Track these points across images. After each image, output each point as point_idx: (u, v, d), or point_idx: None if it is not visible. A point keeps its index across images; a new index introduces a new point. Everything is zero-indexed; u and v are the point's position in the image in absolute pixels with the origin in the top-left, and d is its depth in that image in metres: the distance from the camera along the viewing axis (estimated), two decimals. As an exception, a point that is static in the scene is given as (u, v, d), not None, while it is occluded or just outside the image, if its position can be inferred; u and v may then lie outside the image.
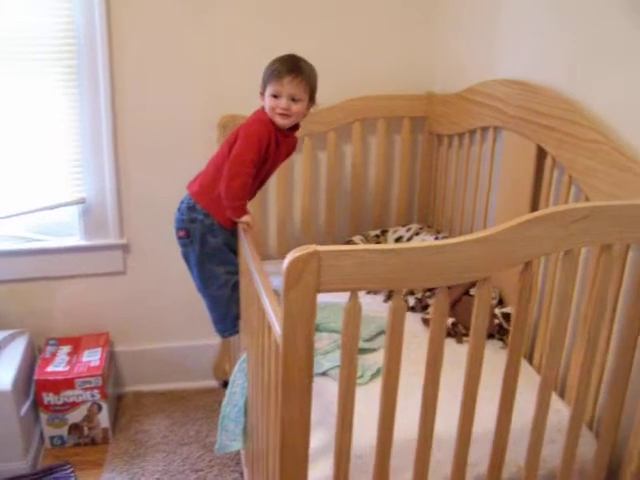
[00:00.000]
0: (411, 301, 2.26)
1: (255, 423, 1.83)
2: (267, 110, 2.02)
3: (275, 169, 2.17)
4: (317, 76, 2.08)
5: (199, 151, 2.60)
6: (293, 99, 2.00)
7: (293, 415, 1.25)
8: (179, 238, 2.13)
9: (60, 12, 2.36)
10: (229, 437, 2.03)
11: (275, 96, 2.00)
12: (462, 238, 1.21)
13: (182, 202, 2.13)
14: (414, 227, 2.63)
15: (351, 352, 1.22)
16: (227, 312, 2.18)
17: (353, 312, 1.20)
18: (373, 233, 2.69)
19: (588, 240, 1.32)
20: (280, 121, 2.01)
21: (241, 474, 2.34)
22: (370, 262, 1.16)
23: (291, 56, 2.04)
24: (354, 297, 1.19)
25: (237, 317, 2.18)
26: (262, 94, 2.05)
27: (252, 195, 2.15)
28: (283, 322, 1.17)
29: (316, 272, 1.14)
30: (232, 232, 2.09)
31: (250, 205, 2.10)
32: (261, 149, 1.99)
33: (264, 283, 1.58)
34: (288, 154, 2.16)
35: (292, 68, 1.99)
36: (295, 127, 2.11)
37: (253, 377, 1.83)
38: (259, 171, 2.05)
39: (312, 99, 2.06)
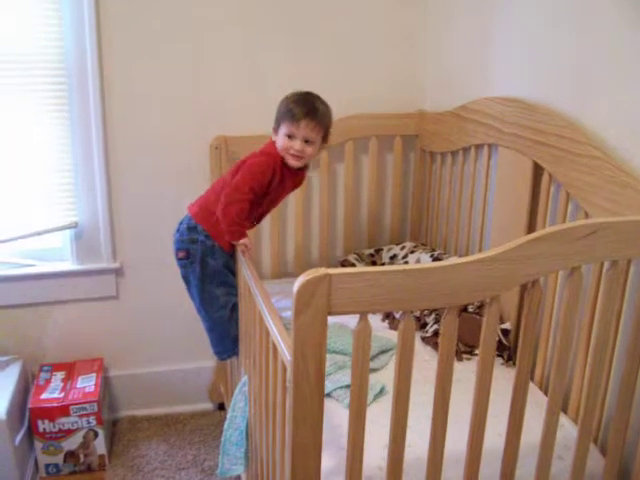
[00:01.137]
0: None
1: (258, 446, 1.82)
2: (279, 148, 1.98)
3: (280, 200, 2.13)
4: (332, 115, 2.04)
5: (192, 173, 2.60)
6: (307, 141, 1.97)
7: (305, 439, 1.23)
8: (179, 259, 2.11)
9: (50, 36, 2.35)
10: (231, 461, 2.01)
11: (289, 136, 1.96)
12: (470, 258, 1.20)
13: (181, 223, 2.11)
14: (408, 245, 2.63)
15: (362, 375, 1.21)
16: (226, 334, 2.16)
17: (364, 335, 1.19)
18: (367, 252, 2.69)
19: (594, 257, 1.32)
20: (292, 162, 1.99)
21: (241, 498, 2.32)
22: (381, 284, 1.16)
23: (308, 96, 2.00)
24: (364, 319, 1.19)
25: (236, 339, 2.17)
26: (275, 130, 2.02)
27: (255, 221, 2.14)
28: (294, 346, 1.16)
29: (327, 295, 1.14)
30: (231, 254, 2.08)
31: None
32: (263, 182, 1.97)
33: (267, 305, 1.58)
34: (294, 187, 2.12)
35: (309, 111, 1.95)
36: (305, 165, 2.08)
37: (256, 400, 1.81)
38: (261, 201, 2.02)
39: (325, 139, 2.02)
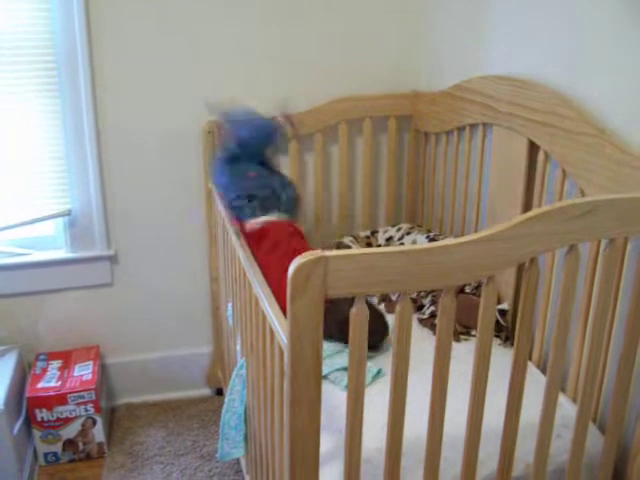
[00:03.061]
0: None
1: (257, 429, 1.81)
2: None
3: None
4: None
5: (185, 158, 2.59)
6: None
7: (302, 422, 1.22)
8: None
9: (39, 21, 2.32)
10: (230, 444, 2.01)
11: None
12: (467, 238, 1.19)
13: None
14: (404, 227, 2.62)
15: (360, 358, 1.20)
16: None
17: (360, 317, 1.18)
18: (363, 234, 2.68)
19: (591, 235, 1.31)
20: None
21: (241, 483, 2.32)
22: (377, 265, 1.14)
23: None
24: (360, 302, 1.18)
25: None
26: None
27: None
28: (290, 330, 1.15)
29: (323, 277, 1.12)
30: None
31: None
32: None
33: (263, 289, 1.57)
34: None
35: None
36: None
37: (253, 383, 1.81)
38: None
39: None
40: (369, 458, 1.51)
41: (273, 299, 1.50)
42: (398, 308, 1.20)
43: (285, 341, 1.27)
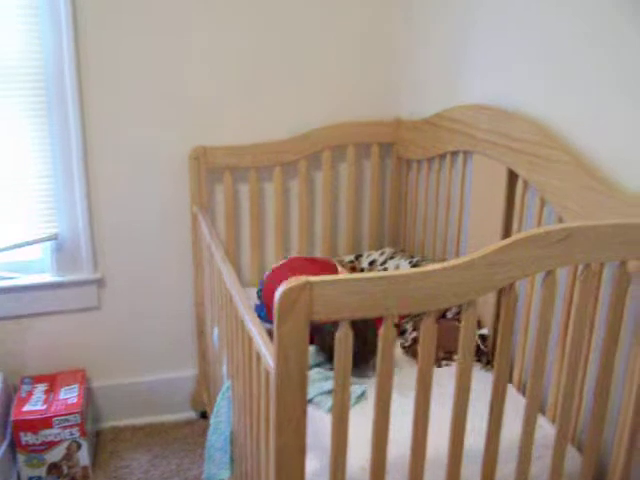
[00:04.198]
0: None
1: (243, 450, 1.84)
2: None
3: None
4: None
5: (172, 183, 2.62)
6: None
7: (288, 442, 1.25)
8: None
9: (28, 40, 2.34)
10: (216, 466, 2.03)
11: None
12: (448, 263, 1.24)
13: None
14: (387, 251, 2.66)
15: (344, 380, 1.24)
16: None
17: (345, 341, 1.22)
18: (348, 258, 2.72)
19: (568, 260, 1.36)
20: None
21: (226, 506, 2.33)
22: (361, 290, 1.18)
23: None
24: (345, 326, 1.21)
25: None
26: None
27: None
28: (277, 353, 1.18)
29: (308, 302, 1.16)
30: None
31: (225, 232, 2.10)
32: None
33: (249, 312, 1.60)
34: None
35: None
36: None
37: (240, 405, 1.83)
38: None
39: None
40: (352, 476, 1.54)
41: (258, 322, 1.53)
42: (381, 331, 1.24)
43: (271, 364, 1.31)
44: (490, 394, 1.41)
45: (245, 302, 1.66)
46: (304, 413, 1.24)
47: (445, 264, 1.23)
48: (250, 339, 1.57)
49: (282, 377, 1.20)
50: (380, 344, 1.25)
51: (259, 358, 1.49)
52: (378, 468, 1.35)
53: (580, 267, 1.42)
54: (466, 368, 1.35)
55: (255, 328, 1.51)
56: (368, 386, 1.89)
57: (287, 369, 1.19)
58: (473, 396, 1.40)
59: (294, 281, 1.15)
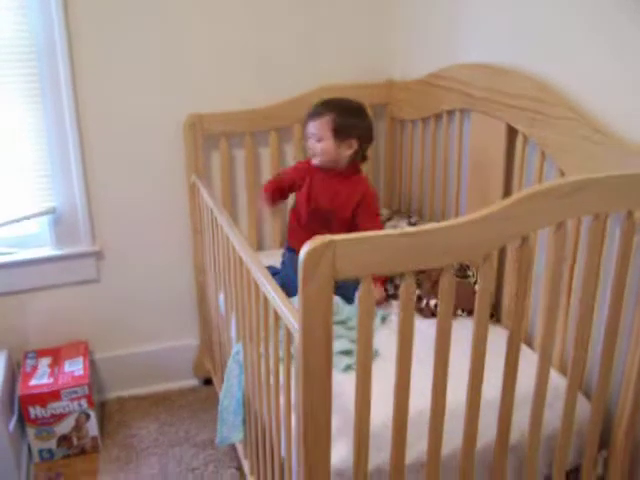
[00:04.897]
0: (391, 289, 2.31)
1: (258, 412, 1.86)
2: None
3: (312, 204, 2.31)
4: (350, 114, 2.25)
5: (167, 151, 2.61)
6: (318, 139, 2.21)
7: (314, 404, 1.28)
8: None
9: (18, 19, 2.32)
10: (229, 429, 2.05)
11: (306, 139, 2.29)
12: (466, 218, 1.26)
13: None
14: (385, 213, 2.68)
15: (367, 338, 1.26)
16: None
17: (368, 297, 1.24)
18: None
19: (579, 212, 1.40)
20: (313, 161, 2.27)
21: (237, 468, 2.36)
22: (384, 247, 1.20)
23: (321, 101, 2.28)
24: (367, 283, 1.23)
25: None
26: None
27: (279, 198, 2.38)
28: (302, 313, 1.20)
29: (332, 261, 1.17)
30: None
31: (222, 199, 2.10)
32: (295, 179, 2.34)
33: (264, 273, 1.61)
34: (332, 197, 2.29)
35: (312, 112, 2.24)
36: (347, 170, 2.28)
37: (253, 367, 1.84)
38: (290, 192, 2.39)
39: (341, 136, 2.20)
40: (376, 433, 1.57)
41: (275, 284, 1.54)
42: (402, 287, 1.26)
43: (295, 325, 1.33)
44: (496, 346, 1.45)
45: (258, 263, 1.67)
46: (330, 370, 1.26)
47: (464, 218, 1.25)
48: (266, 299, 1.58)
49: (308, 336, 1.22)
50: (401, 299, 1.27)
51: (277, 318, 1.51)
52: (400, 422, 1.38)
53: (589, 218, 1.45)
54: (482, 321, 1.38)
55: (271, 287, 1.53)
56: (383, 343, 1.88)
57: (312, 328, 1.21)
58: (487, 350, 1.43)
59: (317, 241, 1.16)
